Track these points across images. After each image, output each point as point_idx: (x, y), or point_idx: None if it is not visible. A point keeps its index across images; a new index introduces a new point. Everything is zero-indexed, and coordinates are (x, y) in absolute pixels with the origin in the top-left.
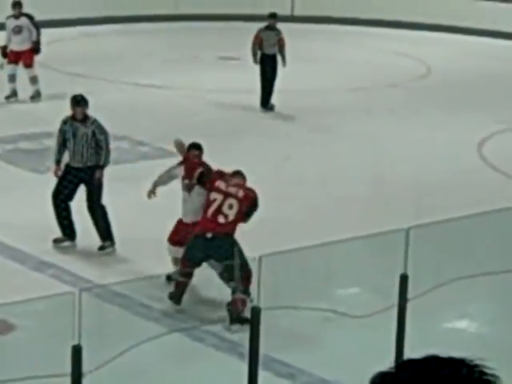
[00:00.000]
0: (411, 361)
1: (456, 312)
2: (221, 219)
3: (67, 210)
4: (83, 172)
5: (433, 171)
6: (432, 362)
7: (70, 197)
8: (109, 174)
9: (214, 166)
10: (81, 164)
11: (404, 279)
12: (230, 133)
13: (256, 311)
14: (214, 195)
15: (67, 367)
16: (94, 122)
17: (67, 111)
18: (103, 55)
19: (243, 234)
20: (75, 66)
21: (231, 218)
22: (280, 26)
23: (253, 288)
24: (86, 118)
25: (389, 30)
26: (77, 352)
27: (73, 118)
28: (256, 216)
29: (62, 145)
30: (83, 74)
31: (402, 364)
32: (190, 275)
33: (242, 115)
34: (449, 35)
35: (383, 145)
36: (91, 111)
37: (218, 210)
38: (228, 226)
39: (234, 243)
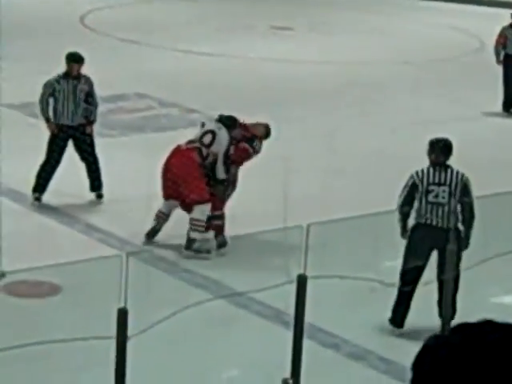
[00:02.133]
0: (465, 324)
1: (502, 287)
2: None
3: (54, 171)
4: (73, 129)
5: (483, 146)
6: (486, 326)
7: (62, 157)
8: (157, 140)
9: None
10: (74, 122)
11: (451, 252)
12: (280, 102)
13: (302, 280)
14: None
15: (113, 330)
16: (88, 78)
17: (119, 76)
18: (156, 22)
19: (292, 204)
20: (128, 33)
21: None
22: None
23: (299, 256)
24: (79, 75)
25: (442, 3)
26: (122, 315)
27: (66, 75)
28: (304, 187)
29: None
30: (136, 41)
31: (456, 327)
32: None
33: (293, 85)
34: (502, 10)
35: (432, 119)
36: (145, 78)
37: None
38: None
39: None
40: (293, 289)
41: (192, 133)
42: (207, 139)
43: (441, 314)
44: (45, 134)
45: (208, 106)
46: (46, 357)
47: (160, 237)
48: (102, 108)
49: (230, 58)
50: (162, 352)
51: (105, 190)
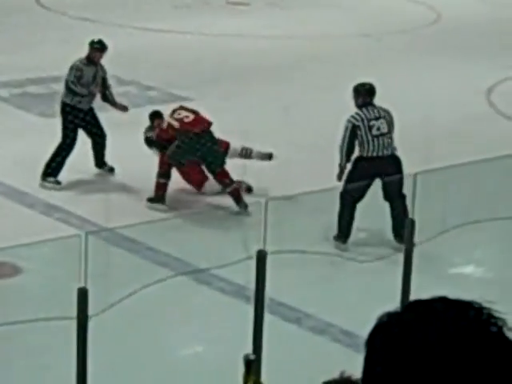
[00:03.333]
0: (418, 302)
1: (462, 257)
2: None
3: (70, 152)
4: (85, 113)
5: (441, 117)
6: (439, 303)
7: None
8: (117, 118)
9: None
10: (87, 106)
11: (411, 224)
12: (237, 78)
13: (262, 255)
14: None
15: (73, 310)
16: (103, 66)
17: (74, 55)
18: (112, 0)
19: (250, 179)
20: (83, 11)
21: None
22: None
23: (259, 232)
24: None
25: None
26: (83, 295)
27: (88, 60)
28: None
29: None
30: (91, 19)
31: (409, 305)
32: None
33: (249, 61)
34: None
35: (391, 91)
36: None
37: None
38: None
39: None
40: (253, 264)
41: (149, 110)
42: None
43: (396, 233)
44: (15, 117)
45: (166, 83)
46: (6, 338)
47: (124, 215)
48: (59, 87)
49: (186, 34)
50: (124, 330)
51: (65, 170)
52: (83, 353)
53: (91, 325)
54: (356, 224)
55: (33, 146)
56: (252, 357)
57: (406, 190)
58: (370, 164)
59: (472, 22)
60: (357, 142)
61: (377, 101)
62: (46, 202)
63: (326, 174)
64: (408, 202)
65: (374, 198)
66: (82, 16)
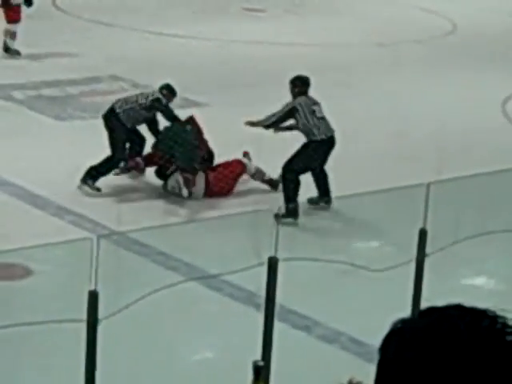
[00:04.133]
0: (433, 308)
1: (474, 268)
2: None
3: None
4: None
5: (456, 128)
6: (454, 310)
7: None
8: None
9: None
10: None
11: (423, 234)
12: (252, 84)
13: (273, 262)
14: None
15: (83, 313)
16: None
17: (89, 59)
18: (128, 5)
19: (261, 186)
20: (99, 14)
21: None
22: None
23: (270, 239)
24: None
25: None
26: (93, 298)
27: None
28: (276, 169)
29: None
30: (108, 23)
31: (423, 311)
32: None
33: (265, 67)
34: None
35: (406, 101)
36: (118, 60)
37: None
38: None
39: None
40: (264, 271)
41: None
42: None
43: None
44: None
45: (181, 88)
46: (17, 339)
47: (135, 219)
48: (74, 90)
49: (202, 40)
50: (133, 334)
51: (76, 173)
52: (92, 356)
53: (101, 328)
54: (370, 233)
55: (46, 148)
56: (261, 363)
57: (419, 199)
58: (321, 147)
59: (488, 32)
60: (303, 130)
61: (389, 110)
62: (58, 205)
63: (339, 182)
64: (420, 212)
65: (389, 209)
66: (98, 19)
